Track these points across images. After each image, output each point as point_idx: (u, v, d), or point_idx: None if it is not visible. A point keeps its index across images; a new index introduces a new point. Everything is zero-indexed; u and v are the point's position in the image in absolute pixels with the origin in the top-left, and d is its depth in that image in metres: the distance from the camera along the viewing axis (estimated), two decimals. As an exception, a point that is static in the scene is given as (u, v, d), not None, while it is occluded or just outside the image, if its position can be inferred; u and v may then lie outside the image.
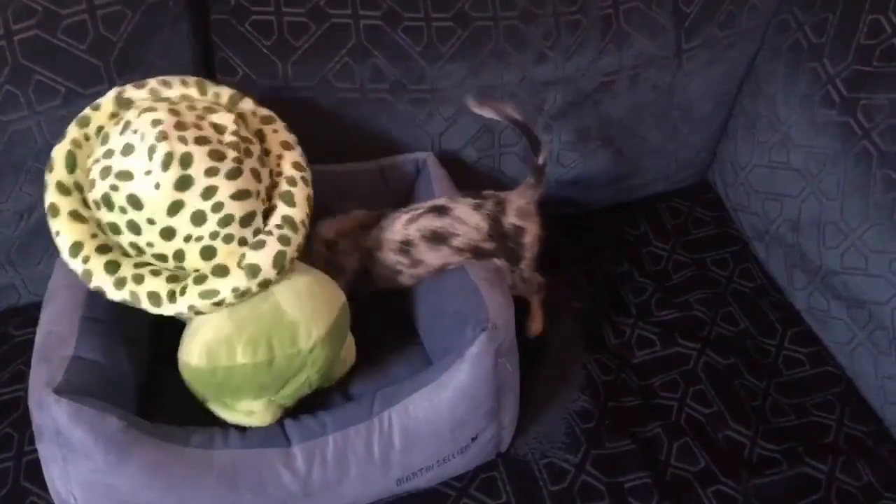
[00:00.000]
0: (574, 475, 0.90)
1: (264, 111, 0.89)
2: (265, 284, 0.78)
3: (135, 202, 0.75)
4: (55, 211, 0.79)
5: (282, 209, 0.81)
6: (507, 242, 0.95)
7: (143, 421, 0.74)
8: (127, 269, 0.77)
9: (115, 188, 0.76)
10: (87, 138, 0.82)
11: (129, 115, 0.79)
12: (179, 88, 0.86)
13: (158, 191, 0.74)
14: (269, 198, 0.82)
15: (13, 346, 1.01)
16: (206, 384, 0.80)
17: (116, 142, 0.77)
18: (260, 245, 0.78)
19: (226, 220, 0.77)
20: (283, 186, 0.82)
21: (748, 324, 1.12)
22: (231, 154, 0.77)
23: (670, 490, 0.91)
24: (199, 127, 0.77)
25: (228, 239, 0.77)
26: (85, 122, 0.83)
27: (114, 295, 0.77)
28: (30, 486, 0.86)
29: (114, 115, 0.83)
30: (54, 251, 1.02)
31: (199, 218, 0.75)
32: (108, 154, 0.77)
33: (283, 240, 0.79)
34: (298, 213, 0.81)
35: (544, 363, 1.01)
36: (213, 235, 0.77)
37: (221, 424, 0.78)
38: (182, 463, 0.73)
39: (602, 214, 1.27)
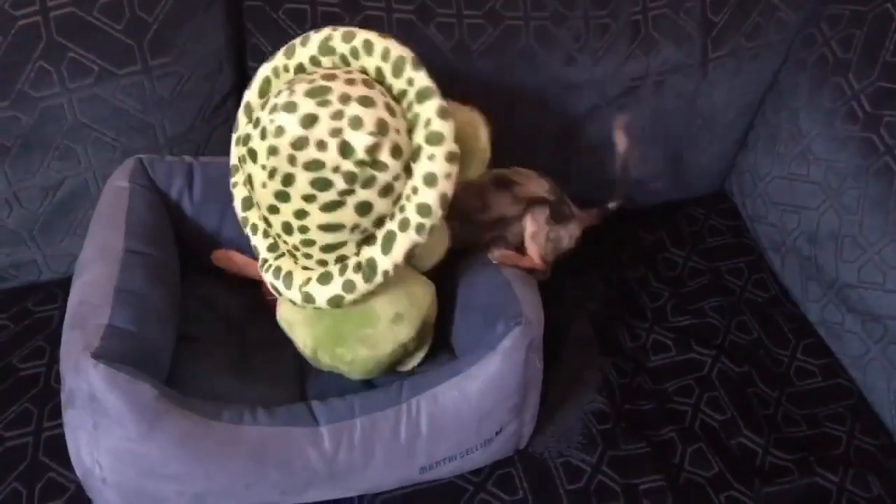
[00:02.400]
0: (590, 475, 0.91)
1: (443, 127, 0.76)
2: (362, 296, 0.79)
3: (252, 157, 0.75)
4: (235, 126, 0.82)
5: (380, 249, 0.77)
6: (563, 207, 0.99)
7: (174, 392, 0.74)
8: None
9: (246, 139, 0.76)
10: (286, 70, 0.80)
11: (297, 84, 0.75)
12: (376, 60, 0.77)
13: (264, 189, 0.75)
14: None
15: (33, 322, 1.01)
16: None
17: (271, 102, 0.75)
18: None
19: (307, 243, 0.77)
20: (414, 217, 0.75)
21: (761, 333, 1.13)
22: (339, 185, 0.72)
23: (684, 494, 0.91)
24: (321, 147, 0.71)
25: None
26: (290, 54, 0.80)
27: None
28: (48, 462, 0.86)
29: (313, 59, 0.79)
30: (77, 229, 1.04)
31: (288, 228, 0.76)
32: (263, 106, 0.76)
33: (367, 276, 0.77)
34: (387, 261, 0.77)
35: (561, 364, 1.01)
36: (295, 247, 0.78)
37: (248, 402, 0.79)
38: (211, 437, 0.74)
39: (619, 219, 1.27)
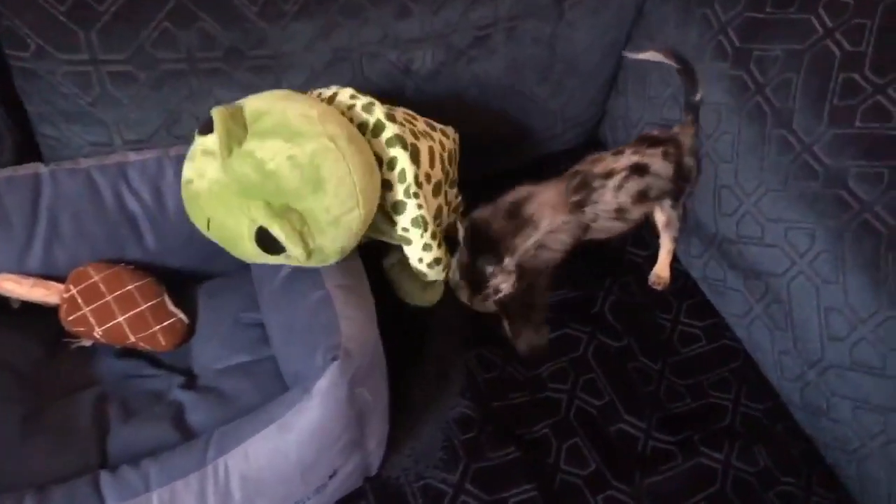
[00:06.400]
0: (452, 496, 0.81)
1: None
2: None
3: None
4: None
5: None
6: (680, 183, 1.00)
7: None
8: None
9: None
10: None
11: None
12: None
13: None
14: None
15: None
16: None
17: None
18: None
19: None
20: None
21: (641, 296, 1.05)
22: None
23: (558, 501, 0.83)
24: None
25: None
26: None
27: None
28: None
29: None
30: None
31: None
32: None
33: None
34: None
35: (422, 364, 0.91)
36: None
37: (32, 472, 0.66)
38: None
39: (484, 183, 1.15)
